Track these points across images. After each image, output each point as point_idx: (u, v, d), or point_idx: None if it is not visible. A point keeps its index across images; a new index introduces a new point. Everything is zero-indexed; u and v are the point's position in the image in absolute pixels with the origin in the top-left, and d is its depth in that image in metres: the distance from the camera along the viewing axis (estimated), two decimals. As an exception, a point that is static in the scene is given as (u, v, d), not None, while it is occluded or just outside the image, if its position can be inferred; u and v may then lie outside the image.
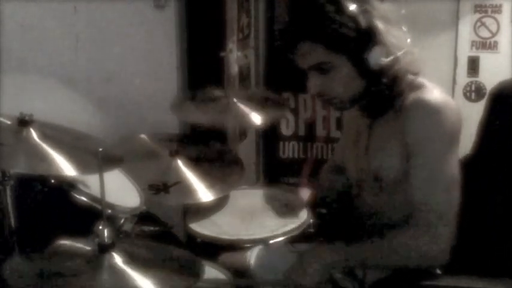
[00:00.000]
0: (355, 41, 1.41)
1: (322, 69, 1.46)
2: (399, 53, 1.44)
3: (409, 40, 1.49)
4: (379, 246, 1.45)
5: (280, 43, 1.54)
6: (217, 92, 1.97)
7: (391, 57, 1.42)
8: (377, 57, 1.41)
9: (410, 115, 1.43)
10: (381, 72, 1.44)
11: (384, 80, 1.45)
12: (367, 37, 1.41)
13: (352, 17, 1.40)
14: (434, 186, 1.41)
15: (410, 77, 1.49)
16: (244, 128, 2.80)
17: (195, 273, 1.24)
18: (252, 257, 1.68)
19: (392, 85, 1.46)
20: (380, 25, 1.42)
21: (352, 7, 1.40)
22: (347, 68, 1.45)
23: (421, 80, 1.50)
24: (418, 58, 1.51)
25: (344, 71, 1.45)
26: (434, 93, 1.45)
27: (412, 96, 1.45)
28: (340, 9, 1.40)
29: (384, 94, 1.48)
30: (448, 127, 1.42)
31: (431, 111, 1.41)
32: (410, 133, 1.43)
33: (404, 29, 1.49)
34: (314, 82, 1.49)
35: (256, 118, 1.85)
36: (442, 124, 1.41)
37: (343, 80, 1.46)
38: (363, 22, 1.40)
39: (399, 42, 1.45)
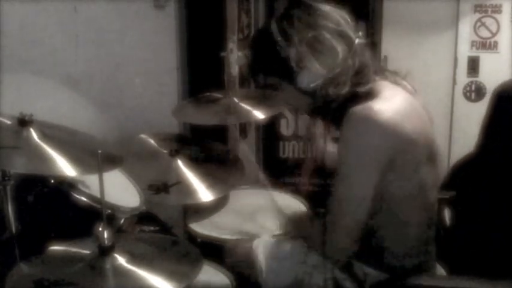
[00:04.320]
0: (283, 69, 1.48)
1: (274, 89, 1.59)
2: (327, 75, 1.45)
3: (359, 40, 1.49)
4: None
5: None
6: (217, 95, 1.97)
7: (318, 82, 1.46)
8: (304, 82, 1.48)
9: (341, 127, 1.46)
10: (316, 92, 1.48)
11: (323, 98, 1.49)
12: (292, 64, 1.47)
13: (275, 48, 1.47)
14: (334, 201, 1.46)
15: (359, 89, 1.48)
16: (245, 127, 2.81)
17: (196, 261, 1.26)
18: (258, 247, 1.66)
19: (333, 101, 1.48)
20: (301, 50, 1.46)
21: (279, 37, 1.47)
22: (290, 87, 1.52)
23: (369, 90, 1.48)
24: (365, 68, 1.50)
25: (290, 89, 1.53)
26: (368, 107, 1.42)
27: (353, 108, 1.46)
28: (267, 42, 1.50)
29: (331, 109, 1.50)
30: (369, 143, 1.40)
31: (355, 124, 1.42)
32: (339, 143, 1.48)
33: (357, 34, 1.50)
34: (282, 97, 1.63)
35: (258, 114, 1.86)
36: (362, 139, 1.41)
37: (293, 95, 1.55)
38: (283, 52, 1.47)
39: (329, 63, 1.46)
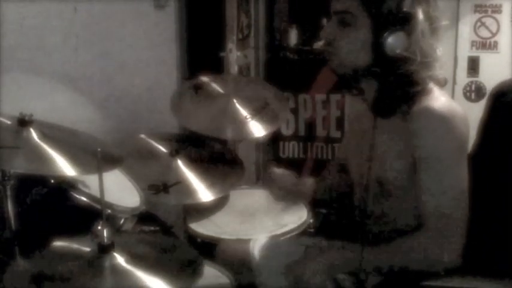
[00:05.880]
0: (389, 15, 1.38)
1: (344, 20, 1.44)
2: (418, 57, 1.40)
3: (438, 53, 1.45)
4: (391, 251, 1.45)
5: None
6: (215, 87, 1.95)
7: (407, 54, 1.39)
8: (395, 44, 1.38)
9: (418, 124, 1.41)
10: (392, 61, 1.40)
11: (392, 72, 1.42)
12: (401, 20, 1.38)
13: None
14: (444, 197, 1.40)
15: (423, 84, 1.45)
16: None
17: (196, 266, 1.25)
18: (255, 248, 1.66)
19: (399, 82, 1.43)
20: (420, 19, 1.39)
21: None
22: (366, 34, 1.42)
23: (429, 85, 1.47)
24: (439, 73, 1.48)
25: (361, 35, 1.42)
26: (441, 101, 1.43)
27: (419, 104, 1.43)
28: None
29: (390, 89, 1.45)
30: (457, 136, 1.41)
31: (440, 120, 1.40)
32: (418, 143, 1.42)
33: (438, 45, 1.46)
34: (330, 29, 1.47)
35: (257, 129, 1.82)
36: (450, 134, 1.40)
37: (356, 43, 1.44)
38: (407, 5, 1.38)
39: (426, 47, 1.42)
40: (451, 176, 1.41)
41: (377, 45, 1.40)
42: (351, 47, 1.45)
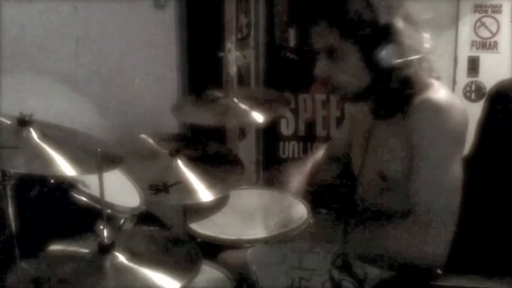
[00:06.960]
0: (371, 34, 1.39)
1: (331, 54, 1.45)
2: (413, 57, 1.41)
3: (428, 46, 1.46)
4: (375, 234, 1.47)
5: (296, 21, 1.56)
6: (217, 93, 1.97)
7: (403, 60, 1.40)
8: (388, 56, 1.39)
9: (416, 115, 1.43)
10: (391, 71, 1.42)
11: (393, 80, 1.43)
12: (383, 33, 1.39)
13: (373, 10, 1.39)
14: (436, 188, 1.40)
15: (422, 80, 1.47)
16: (244, 128, 2.81)
17: (196, 261, 1.26)
18: (251, 255, 1.68)
19: (401, 87, 1.44)
20: (400, 24, 1.40)
21: (376, 0, 1.39)
22: (356, 59, 1.43)
23: (429, 79, 1.49)
24: (435, 65, 1.50)
25: (353, 61, 1.44)
26: (440, 93, 1.44)
27: (419, 97, 1.44)
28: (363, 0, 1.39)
29: (393, 95, 1.46)
30: (453, 128, 1.41)
31: (436, 111, 1.41)
32: (415, 133, 1.43)
33: (426, 35, 1.47)
34: (322, 66, 1.48)
35: (257, 116, 1.85)
36: (446, 125, 1.40)
37: (351, 70, 1.45)
38: (382, 17, 1.39)
39: (416, 46, 1.43)
40: (445, 168, 1.41)
41: (371, 65, 1.42)
42: (347, 76, 1.47)
